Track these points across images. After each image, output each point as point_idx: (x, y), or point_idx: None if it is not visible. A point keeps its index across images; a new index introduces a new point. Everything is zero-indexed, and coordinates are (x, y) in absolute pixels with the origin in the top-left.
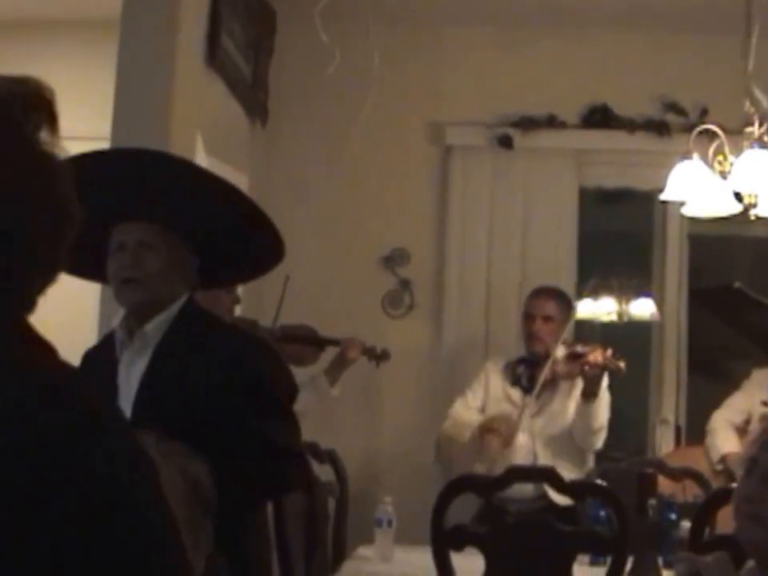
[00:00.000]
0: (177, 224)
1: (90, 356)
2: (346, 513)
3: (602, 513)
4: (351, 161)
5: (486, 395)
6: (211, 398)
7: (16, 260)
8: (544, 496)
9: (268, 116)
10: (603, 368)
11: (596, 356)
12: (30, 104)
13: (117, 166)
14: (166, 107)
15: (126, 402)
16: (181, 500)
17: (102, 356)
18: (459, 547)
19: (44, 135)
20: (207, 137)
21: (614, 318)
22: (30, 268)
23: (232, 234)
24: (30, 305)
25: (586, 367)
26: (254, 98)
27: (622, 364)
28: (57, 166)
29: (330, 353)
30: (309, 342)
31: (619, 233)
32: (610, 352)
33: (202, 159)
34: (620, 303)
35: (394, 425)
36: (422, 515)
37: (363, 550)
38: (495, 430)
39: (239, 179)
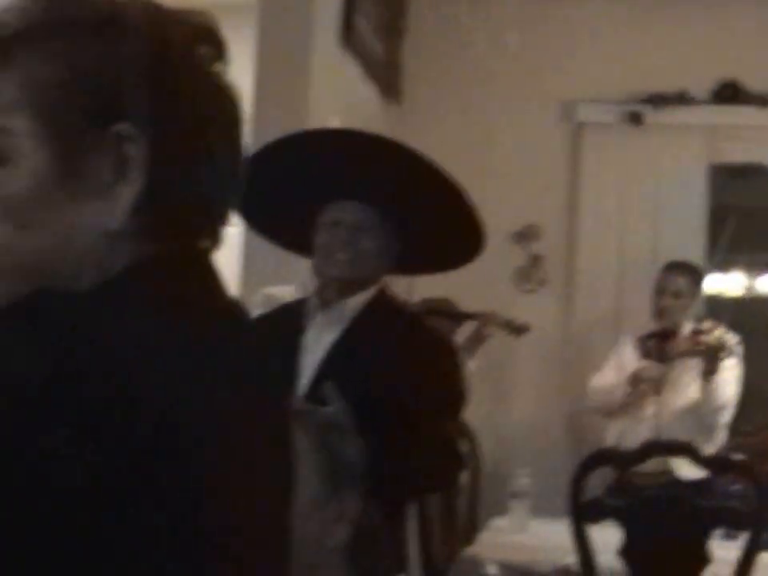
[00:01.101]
0: (391, 209)
1: (260, 322)
2: (479, 485)
3: (736, 487)
4: (484, 138)
5: (619, 369)
6: (393, 385)
7: (188, 193)
8: (669, 471)
9: (402, 96)
10: (716, 350)
11: (709, 337)
12: (201, 36)
13: (340, 147)
14: (304, 90)
15: (309, 367)
16: (317, 471)
17: (282, 323)
18: (597, 520)
19: (218, 67)
20: (342, 118)
21: (742, 293)
22: (200, 203)
23: (438, 225)
24: (201, 236)
25: (701, 346)
26: (387, 79)
27: (732, 347)
28: (235, 99)
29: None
30: (448, 315)
31: (749, 208)
32: (723, 333)
33: None
34: (749, 279)
35: (525, 398)
36: (553, 487)
37: (498, 522)
38: (646, 378)
39: None
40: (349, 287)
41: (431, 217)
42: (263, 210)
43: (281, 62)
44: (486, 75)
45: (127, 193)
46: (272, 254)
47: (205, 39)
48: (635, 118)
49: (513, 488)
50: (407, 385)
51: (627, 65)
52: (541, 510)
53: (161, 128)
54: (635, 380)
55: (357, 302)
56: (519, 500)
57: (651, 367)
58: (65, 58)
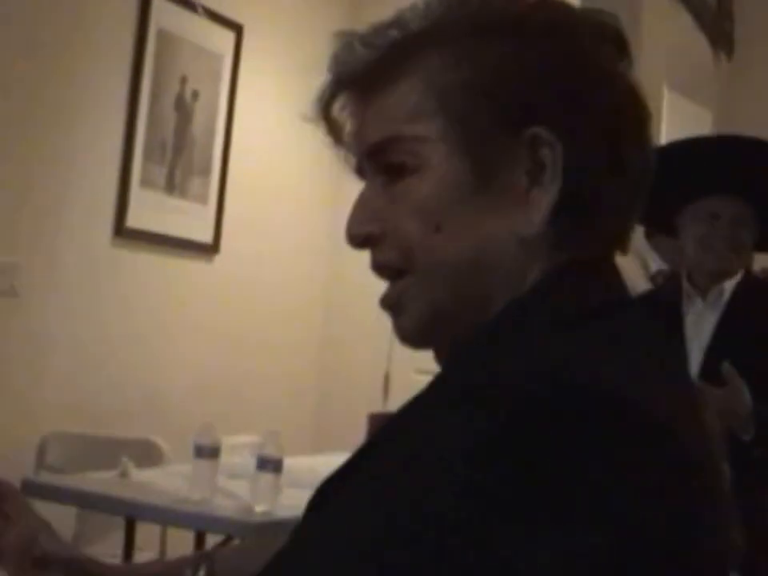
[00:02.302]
0: (764, 202)
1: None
2: None
3: None
4: None
5: None
6: None
7: (601, 198)
8: None
9: (734, 48)
10: None
11: None
12: (606, 35)
13: (720, 147)
14: (635, 41)
15: (697, 351)
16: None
17: (665, 312)
18: None
19: (623, 66)
20: (671, 70)
21: None
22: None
23: None
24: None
25: None
26: (719, 29)
27: None
28: (642, 100)
29: None
30: None
31: None
32: None
33: (665, 94)
34: None
35: None
36: None
37: None
38: None
39: (702, 115)
40: (723, 274)
41: None
42: None
43: (611, 8)
44: None
45: (544, 199)
46: None
47: (609, 38)
48: None
49: None
50: None
51: None
52: None
53: (573, 131)
54: None
55: (729, 285)
56: None
57: None
58: (473, 59)
